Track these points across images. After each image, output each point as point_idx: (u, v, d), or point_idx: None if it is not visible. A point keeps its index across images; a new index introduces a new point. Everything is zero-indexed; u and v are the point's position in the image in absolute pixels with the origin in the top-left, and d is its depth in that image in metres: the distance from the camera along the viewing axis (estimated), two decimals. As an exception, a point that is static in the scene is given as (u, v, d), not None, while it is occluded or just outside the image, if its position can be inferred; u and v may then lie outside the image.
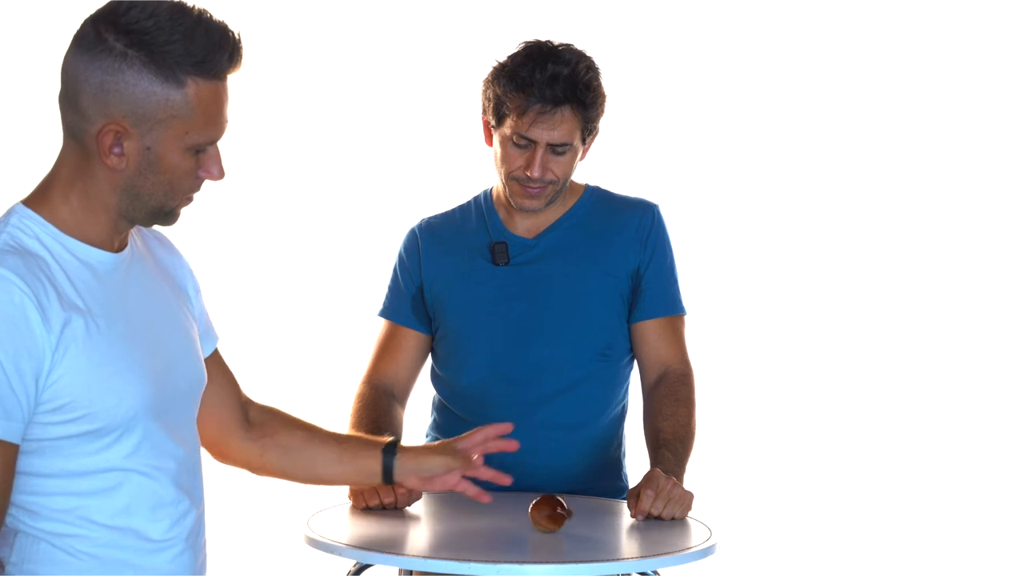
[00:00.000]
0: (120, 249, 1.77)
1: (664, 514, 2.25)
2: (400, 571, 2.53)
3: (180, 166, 1.71)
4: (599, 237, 2.57)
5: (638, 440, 2.56)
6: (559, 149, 2.44)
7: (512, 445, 2.13)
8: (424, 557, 1.99)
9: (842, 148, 4.79)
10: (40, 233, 1.70)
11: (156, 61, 1.65)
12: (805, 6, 4.71)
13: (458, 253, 2.59)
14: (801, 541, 4.47)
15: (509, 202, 2.53)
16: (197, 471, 1.87)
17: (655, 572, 2.15)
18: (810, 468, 4.71)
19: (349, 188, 4.72)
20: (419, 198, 3.98)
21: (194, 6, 1.68)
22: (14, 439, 1.64)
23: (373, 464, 2.10)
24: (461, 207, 2.66)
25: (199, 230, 1.96)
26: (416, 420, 2.70)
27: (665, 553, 2.05)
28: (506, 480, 2.12)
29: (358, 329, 3.31)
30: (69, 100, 1.69)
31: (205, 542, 1.88)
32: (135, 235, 1.83)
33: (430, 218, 2.66)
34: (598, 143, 2.55)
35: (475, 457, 2.10)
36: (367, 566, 2.27)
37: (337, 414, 2.56)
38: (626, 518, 2.30)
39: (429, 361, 2.66)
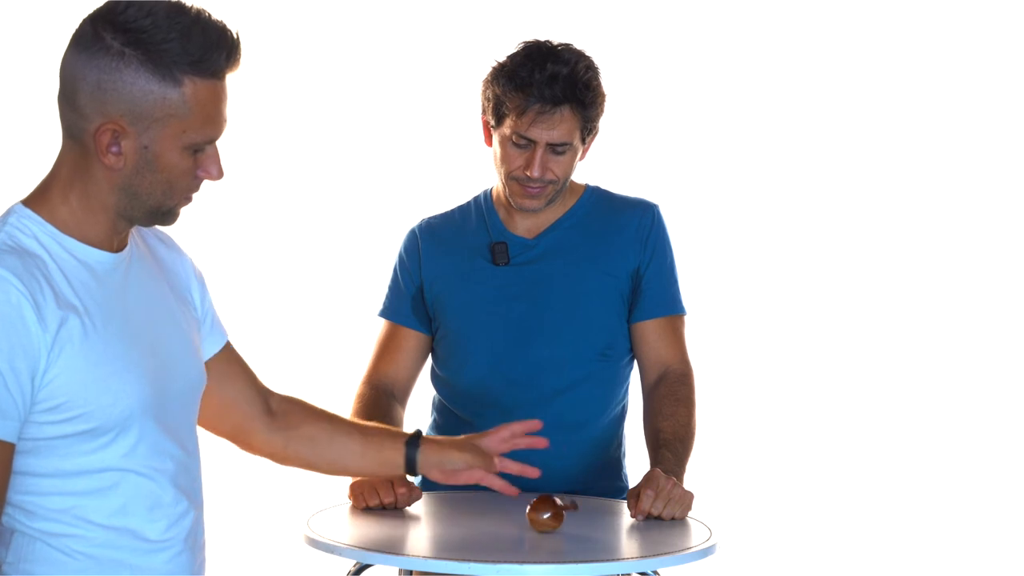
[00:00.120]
0: (119, 249, 1.77)
1: (664, 514, 2.25)
2: (400, 571, 2.53)
3: (178, 165, 1.71)
4: (599, 237, 2.57)
5: (638, 440, 2.56)
6: (559, 149, 2.44)
7: (540, 443, 2.15)
8: (424, 557, 1.99)
9: (842, 148, 4.78)
10: (38, 233, 1.70)
11: (153, 60, 1.65)
12: (805, 6, 4.71)
13: (458, 253, 2.59)
14: (801, 541, 4.47)
15: (509, 202, 2.53)
16: (196, 472, 1.87)
17: (655, 572, 2.15)
18: (810, 468, 4.71)
19: (349, 188, 4.72)
20: (419, 198, 3.98)
21: (192, 6, 1.68)
22: (10, 438, 1.64)
23: (396, 456, 2.11)
24: (461, 207, 2.66)
25: (199, 230, 1.96)
26: (416, 420, 2.70)
27: (665, 553, 2.05)
28: (533, 473, 2.13)
29: (358, 329, 3.31)
30: (67, 99, 1.69)
31: (204, 543, 1.88)
32: (135, 235, 1.83)
33: (430, 218, 2.66)
34: (598, 143, 2.55)
35: (497, 458, 2.11)
36: (367, 566, 2.27)
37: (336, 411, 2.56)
38: (626, 518, 2.30)
39: (429, 361, 2.66)
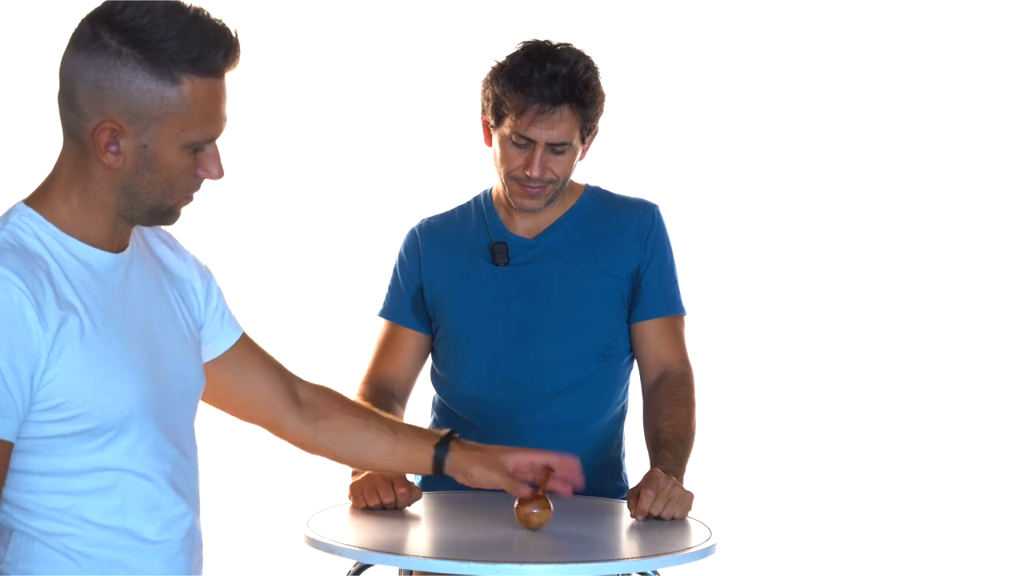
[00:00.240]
0: (120, 249, 1.77)
1: (664, 514, 2.25)
2: (400, 571, 2.53)
3: (177, 164, 1.71)
4: (599, 237, 2.57)
5: (638, 440, 2.56)
6: (558, 148, 2.44)
7: (567, 492, 2.14)
8: (424, 557, 1.98)
9: (842, 148, 4.78)
10: (40, 232, 1.70)
11: (151, 58, 1.66)
12: (805, 6, 4.71)
13: (458, 253, 2.59)
14: (801, 541, 4.47)
15: (509, 202, 2.53)
16: (193, 473, 1.87)
17: (655, 572, 2.15)
18: (810, 468, 4.71)
19: (349, 188, 4.72)
20: (419, 198, 3.98)
21: (190, 4, 1.68)
22: (8, 437, 1.64)
23: (425, 457, 2.11)
24: (461, 207, 2.66)
25: (199, 230, 1.96)
26: (416, 420, 2.70)
27: (665, 553, 2.05)
28: (568, 493, 2.14)
29: (358, 329, 3.31)
30: (67, 99, 1.69)
31: (202, 544, 1.88)
32: (137, 236, 1.83)
33: (430, 218, 2.66)
34: (598, 143, 2.55)
35: (523, 487, 2.11)
36: (367, 566, 2.27)
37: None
38: (626, 518, 2.30)
39: (429, 361, 2.66)
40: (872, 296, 4.80)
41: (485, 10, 4.59)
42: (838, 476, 4.69)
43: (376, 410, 2.16)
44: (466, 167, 3.76)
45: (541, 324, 2.53)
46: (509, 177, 2.48)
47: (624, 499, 2.45)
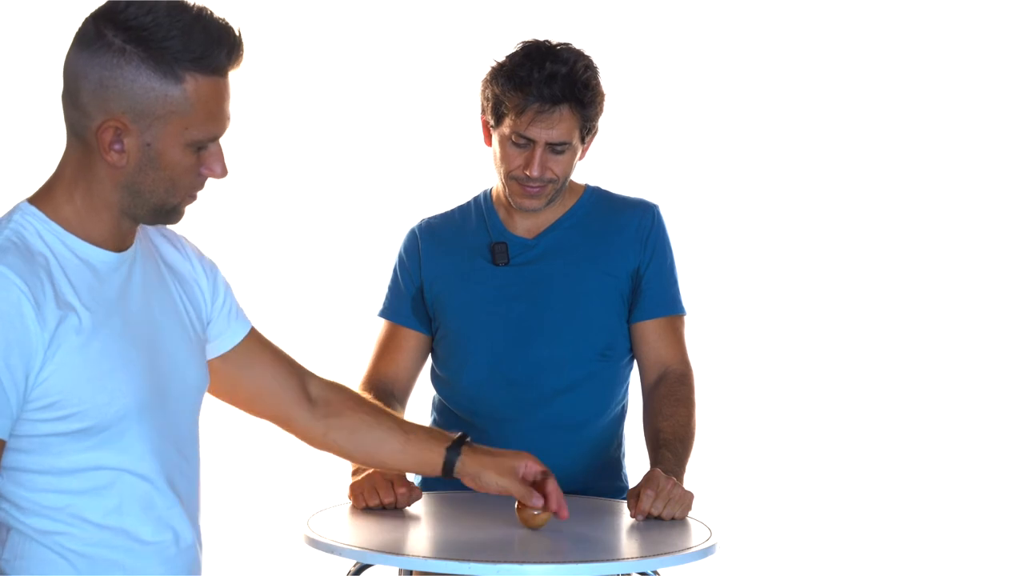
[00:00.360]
0: (124, 248, 1.77)
1: (664, 514, 2.25)
2: (400, 571, 2.53)
3: (181, 163, 1.71)
4: (599, 237, 2.57)
5: (638, 440, 2.56)
6: (558, 148, 2.44)
7: (563, 515, 2.13)
8: (424, 557, 1.98)
9: (842, 148, 4.79)
10: (42, 230, 1.70)
11: (154, 57, 1.66)
12: (805, 6, 4.71)
13: (458, 253, 2.59)
14: (801, 541, 4.47)
15: (509, 202, 2.53)
16: (193, 474, 1.86)
17: (655, 572, 2.14)
18: (810, 468, 4.71)
19: (349, 188, 4.72)
20: (419, 198, 3.98)
21: (194, 3, 1.69)
22: (1, 435, 1.64)
23: (436, 458, 2.11)
24: (461, 207, 2.66)
25: (199, 229, 1.96)
26: (417, 420, 2.70)
27: (665, 553, 2.05)
28: (564, 515, 2.13)
29: (358, 329, 3.31)
30: (70, 97, 1.69)
31: (201, 545, 1.87)
32: (141, 235, 1.83)
33: (430, 218, 2.66)
34: (598, 143, 2.55)
35: (536, 494, 2.11)
36: (367, 566, 2.27)
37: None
38: (626, 518, 2.30)
39: (429, 361, 2.66)
40: (872, 296, 4.80)
41: (485, 10, 4.59)
42: (838, 476, 4.69)
43: (388, 409, 2.16)
44: (466, 167, 3.76)
45: (541, 324, 2.53)
46: (509, 177, 2.48)
47: (624, 499, 2.45)
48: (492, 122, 2.48)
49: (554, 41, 2.47)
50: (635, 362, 2.61)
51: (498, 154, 2.48)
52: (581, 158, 2.53)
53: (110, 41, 1.66)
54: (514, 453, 2.13)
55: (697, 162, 4.77)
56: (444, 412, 2.63)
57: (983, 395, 4.75)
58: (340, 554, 2.06)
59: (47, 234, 1.70)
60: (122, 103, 1.66)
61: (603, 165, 2.97)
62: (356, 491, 2.32)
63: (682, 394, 2.51)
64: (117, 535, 1.74)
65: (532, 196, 2.48)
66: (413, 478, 2.52)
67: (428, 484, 2.50)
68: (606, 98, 2.50)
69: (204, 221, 1.88)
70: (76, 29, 1.70)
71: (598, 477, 2.57)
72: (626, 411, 2.64)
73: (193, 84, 1.68)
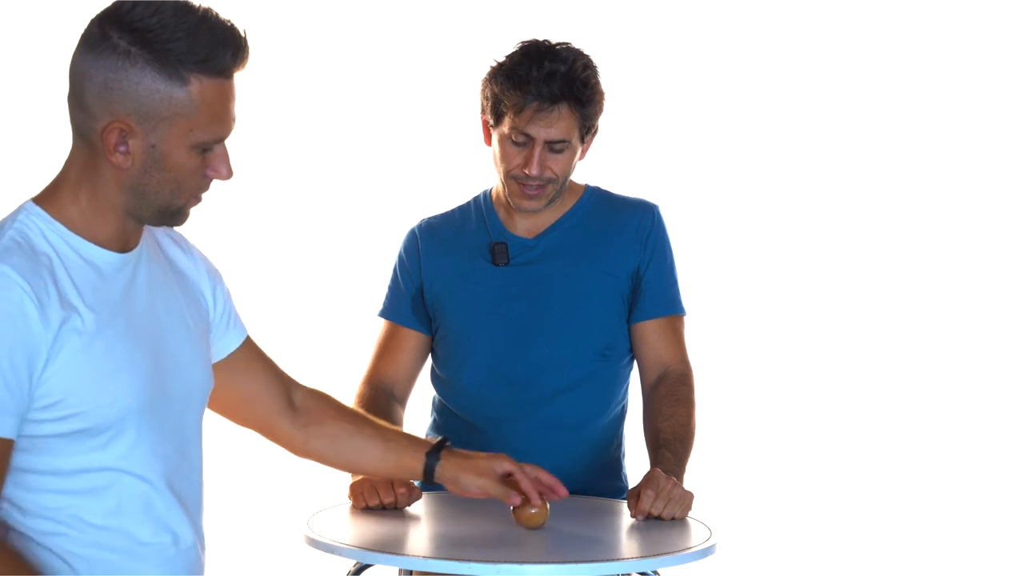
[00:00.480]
0: (129, 249, 1.77)
1: (664, 514, 2.25)
2: (400, 571, 2.53)
3: (186, 164, 1.71)
4: (599, 237, 2.57)
5: (638, 441, 2.56)
6: (557, 146, 2.44)
7: (561, 494, 2.15)
8: (424, 557, 1.98)
9: (842, 148, 4.79)
10: (47, 231, 1.70)
11: (159, 59, 1.66)
12: (805, 6, 4.71)
13: (458, 253, 2.59)
14: (801, 541, 4.47)
15: (509, 203, 2.53)
16: (195, 476, 1.86)
17: (655, 572, 2.14)
18: (810, 468, 4.71)
19: (349, 188, 4.72)
20: (419, 198, 3.98)
21: (199, 5, 1.69)
22: (9, 434, 1.64)
23: (416, 464, 2.13)
24: (461, 207, 2.66)
25: (200, 229, 1.96)
26: (416, 420, 2.70)
27: (665, 553, 2.05)
28: (561, 493, 2.14)
29: (358, 329, 3.31)
30: (76, 99, 1.70)
31: (203, 546, 1.87)
32: (148, 236, 1.83)
33: (430, 218, 2.66)
34: (598, 143, 2.55)
35: (514, 494, 2.11)
36: (367, 566, 2.27)
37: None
38: (626, 518, 2.30)
39: (429, 361, 2.66)
40: (872, 296, 4.80)
41: (485, 10, 4.59)
42: (838, 476, 4.69)
43: (369, 416, 2.18)
44: (466, 167, 3.76)
45: (541, 324, 2.53)
46: (508, 176, 2.48)
47: (624, 499, 2.45)
48: (492, 121, 2.48)
49: (554, 41, 2.47)
50: (635, 362, 2.61)
51: (497, 153, 2.48)
52: (581, 158, 2.53)
53: (115, 43, 1.66)
54: (490, 455, 2.15)
55: (697, 162, 4.78)
56: (444, 412, 2.63)
57: (983, 395, 4.75)
58: (340, 554, 2.06)
59: (51, 234, 1.70)
60: (127, 105, 1.66)
61: (603, 165, 2.97)
62: (356, 491, 2.32)
63: (682, 394, 2.51)
64: (116, 536, 1.74)
65: (531, 197, 2.48)
66: (413, 478, 2.52)
67: (428, 484, 2.50)
68: (606, 98, 2.50)
69: (204, 221, 1.88)
70: (82, 30, 1.70)
71: (598, 477, 2.57)
72: (626, 411, 2.64)
73: (198, 86, 1.68)
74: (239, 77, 1.73)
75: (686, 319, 2.61)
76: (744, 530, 4.29)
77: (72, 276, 1.70)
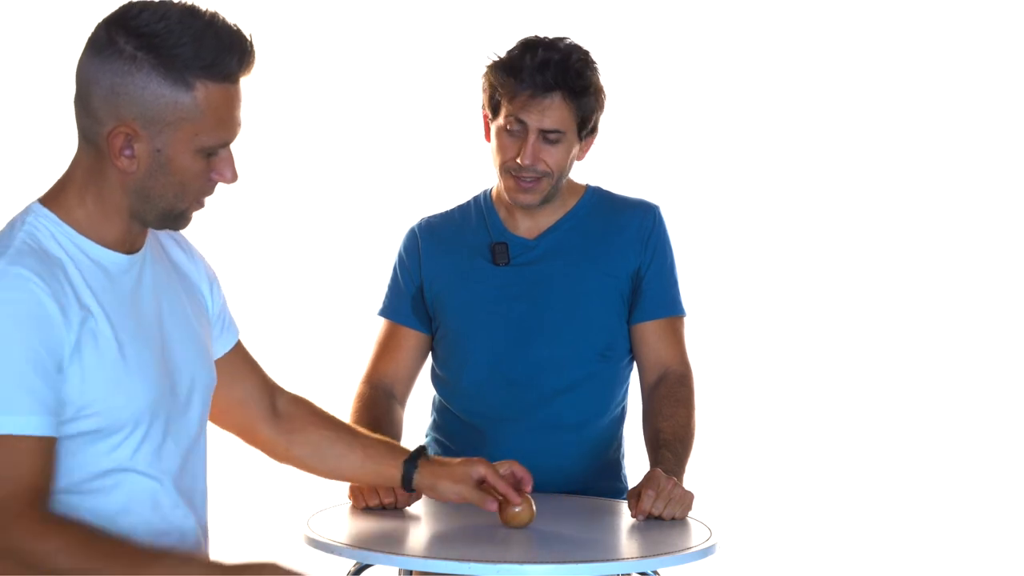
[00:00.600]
0: (134, 251, 1.78)
1: (664, 514, 2.25)
2: (400, 571, 2.53)
3: (190, 168, 1.72)
4: (600, 238, 2.57)
5: (637, 442, 2.56)
6: (551, 137, 2.43)
7: (525, 488, 2.16)
8: (424, 557, 1.98)
9: (842, 148, 4.78)
10: (56, 233, 1.71)
11: (165, 64, 1.66)
12: (805, 6, 4.71)
13: (458, 252, 2.59)
14: (801, 541, 4.47)
15: (507, 199, 2.53)
16: (200, 473, 1.88)
17: (655, 572, 2.14)
18: (810, 468, 4.71)
19: (349, 188, 4.72)
20: (419, 198, 3.98)
21: (206, 9, 1.69)
22: (50, 432, 1.65)
23: (394, 472, 2.14)
24: (461, 207, 2.66)
25: (199, 229, 1.97)
26: (416, 420, 2.70)
27: (665, 553, 2.05)
28: (525, 488, 2.15)
29: (358, 329, 3.31)
30: (82, 102, 1.70)
31: (207, 544, 1.88)
32: (151, 237, 1.84)
33: (430, 217, 2.66)
34: (598, 143, 2.55)
35: (491, 499, 2.12)
36: (367, 566, 2.27)
37: (338, 414, 2.56)
38: (626, 518, 2.30)
39: (429, 361, 2.66)
40: (872, 296, 4.80)
41: (485, 10, 4.59)
42: (838, 476, 4.69)
43: (350, 424, 2.19)
44: (466, 167, 3.75)
45: (541, 324, 2.53)
46: (504, 169, 2.47)
47: (624, 499, 2.45)
48: (490, 114, 2.48)
49: (553, 36, 2.48)
50: (635, 363, 2.61)
51: (495, 146, 2.48)
52: (580, 158, 2.53)
53: (121, 48, 1.66)
54: (466, 460, 2.15)
55: (698, 162, 4.77)
56: (444, 412, 2.63)
57: (983, 395, 4.75)
58: (340, 554, 2.06)
59: (60, 236, 1.71)
60: (133, 110, 1.67)
61: (603, 165, 2.97)
62: (356, 491, 2.32)
63: (682, 395, 2.51)
64: (123, 534, 1.74)
65: (526, 190, 2.47)
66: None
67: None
68: (607, 98, 2.50)
69: (204, 221, 1.89)
70: (89, 33, 1.71)
71: (597, 478, 2.57)
72: (626, 412, 2.64)
73: (203, 91, 1.68)
74: (245, 81, 1.73)
75: (686, 320, 2.61)
76: (744, 530, 4.29)
77: (85, 278, 1.71)
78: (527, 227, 2.57)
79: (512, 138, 2.45)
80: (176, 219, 1.77)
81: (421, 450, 2.16)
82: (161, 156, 1.70)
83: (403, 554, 2.02)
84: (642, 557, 2.03)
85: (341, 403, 2.61)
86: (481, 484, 2.13)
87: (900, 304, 4.80)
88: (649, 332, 2.56)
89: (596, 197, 2.61)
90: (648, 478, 2.29)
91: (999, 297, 4.77)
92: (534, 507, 2.14)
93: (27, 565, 1.61)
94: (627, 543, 2.17)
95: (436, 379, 2.64)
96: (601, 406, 2.57)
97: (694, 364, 2.58)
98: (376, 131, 4.71)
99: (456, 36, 4.59)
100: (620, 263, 2.56)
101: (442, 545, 2.11)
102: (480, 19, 4.57)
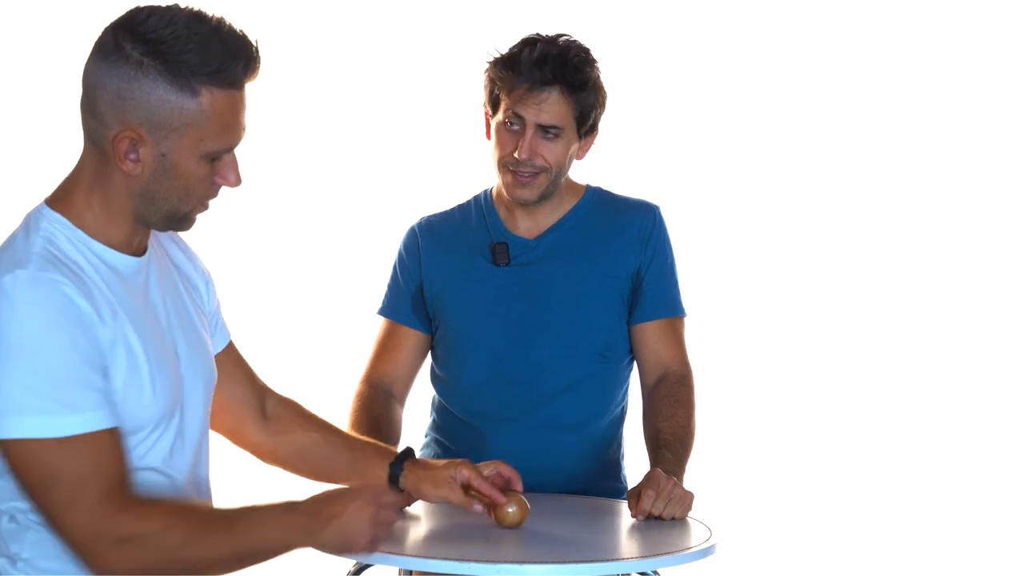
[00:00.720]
0: (141, 252, 1.80)
1: (665, 514, 2.25)
2: (400, 571, 2.52)
3: (195, 172, 1.73)
4: (600, 238, 2.56)
5: (637, 442, 2.55)
6: (549, 132, 2.43)
7: (516, 488, 2.16)
8: (424, 557, 1.98)
9: (842, 149, 4.78)
10: (71, 238, 1.74)
11: (171, 70, 1.67)
12: (805, 6, 4.71)
13: (458, 252, 2.59)
14: (801, 541, 4.47)
15: (507, 198, 2.53)
16: (206, 467, 1.91)
17: (655, 572, 2.14)
18: (810, 468, 4.71)
19: (349, 188, 4.72)
20: (419, 198, 3.98)
21: (213, 15, 1.70)
22: (113, 423, 1.68)
23: (381, 474, 2.15)
24: (461, 206, 2.65)
25: (200, 228, 1.98)
26: (416, 420, 2.70)
27: (665, 553, 2.05)
28: (516, 488, 2.14)
29: (358, 328, 3.31)
30: (88, 106, 1.72)
31: None
32: (152, 238, 1.86)
33: (430, 216, 2.66)
34: (598, 143, 2.54)
35: (474, 502, 2.12)
36: (367, 566, 2.27)
37: (337, 413, 2.56)
38: (626, 518, 2.30)
39: (429, 361, 2.66)
40: (872, 297, 4.80)
41: (486, 10, 4.59)
42: (838, 476, 4.69)
43: (335, 426, 2.19)
44: (466, 167, 3.75)
45: (541, 324, 2.53)
46: (502, 165, 2.47)
47: (623, 500, 2.44)
48: (491, 111, 2.48)
49: (556, 34, 2.48)
50: (635, 363, 2.61)
51: (493, 141, 2.48)
52: (580, 157, 2.52)
53: (128, 53, 1.67)
54: (450, 463, 2.16)
55: (698, 163, 4.77)
56: (444, 412, 2.62)
57: (983, 395, 4.75)
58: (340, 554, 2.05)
59: (75, 241, 1.73)
60: (138, 114, 1.68)
61: (603, 165, 2.97)
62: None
63: (682, 395, 2.51)
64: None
65: (524, 185, 2.47)
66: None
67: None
68: (607, 96, 2.49)
69: (204, 220, 1.89)
70: (96, 37, 1.72)
71: (597, 478, 2.57)
72: (626, 413, 2.64)
73: (209, 97, 1.69)
74: (249, 84, 1.74)
75: (686, 320, 2.61)
76: (744, 530, 4.29)
77: (104, 281, 1.72)
78: (527, 227, 2.57)
79: (510, 134, 2.44)
80: (180, 221, 1.79)
81: (407, 452, 2.17)
82: (166, 160, 1.71)
83: (403, 554, 2.01)
84: (642, 557, 2.03)
85: (340, 402, 2.61)
86: (468, 487, 2.13)
87: (900, 304, 4.80)
88: (649, 332, 2.56)
89: (596, 197, 2.61)
90: (648, 478, 2.29)
91: (999, 297, 4.77)
92: (528, 505, 2.14)
93: (150, 548, 1.67)
94: (627, 543, 2.17)
95: (436, 379, 2.64)
96: (601, 406, 2.56)
97: (694, 364, 2.58)
98: (376, 131, 4.71)
99: (456, 36, 4.59)
100: (620, 263, 2.55)
101: (442, 545, 2.11)
102: (480, 19, 4.57)
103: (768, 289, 4.81)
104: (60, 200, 1.75)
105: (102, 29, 1.72)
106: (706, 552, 2.09)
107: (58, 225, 1.72)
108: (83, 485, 1.65)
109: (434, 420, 2.65)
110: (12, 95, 4.48)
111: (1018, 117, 4.72)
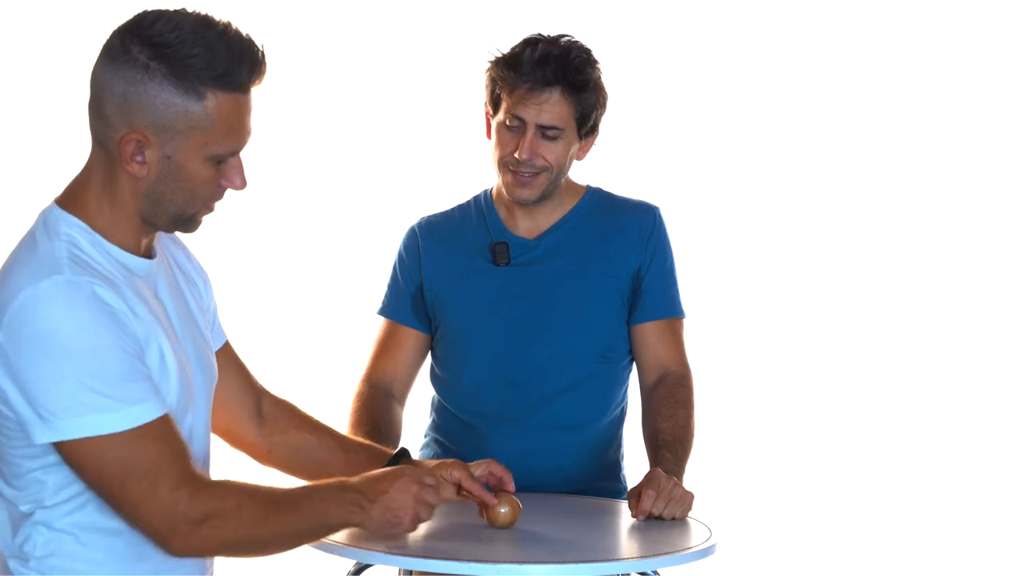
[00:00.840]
0: (150, 254, 1.82)
1: (665, 514, 2.25)
2: (400, 571, 2.53)
3: (200, 175, 1.74)
4: (600, 238, 2.56)
5: (637, 442, 2.55)
6: (549, 133, 2.43)
7: (508, 488, 2.15)
8: (424, 557, 1.98)
9: (842, 149, 4.78)
10: (90, 241, 1.75)
11: (177, 74, 1.68)
12: (805, 6, 4.71)
13: (458, 252, 2.59)
14: (801, 541, 4.47)
15: (507, 197, 2.53)
16: (208, 464, 1.92)
17: (655, 572, 2.14)
18: (810, 468, 4.71)
19: (349, 188, 4.72)
20: (419, 198, 3.98)
21: (220, 19, 1.72)
22: (162, 410, 1.71)
23: None
24: (461, 206, 2.65)
25: (200, 229, 1.98)
26: (416, 420, 2.70)
27: (665, 553, 2.05)
28: (508, 488, 2.14)
29: (358, 328, 3.31)
30: (95, 108, 1.73)
31: None
32: (156, 240, 1.86)
33: (430, 216, 2.66)
34: (599, 143, 2.54)
35: (467, 502, 2.12)
36: (367, 566, 2.27)
37: (336, 413, 2.56)
38: (626, 518, 2.30)
39: (429, 361, 2.66)
40: (872, 297, 4.80)
41: (487, 11, 4.59)
42: (838, 476, 4.69)
43: (330, 428, 2.19)
44: (466, 167, 3.75)
45: (541, 325, 2.53)
46: (502, 164, 2.47)
47: (623, 500, 2.44)
48: (491, 110, 2.48)
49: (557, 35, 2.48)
50: (634, 364, 2.61)
51: (494, 141, 2.48)
52: (580, 158, 2.52)
53: (135, 57, 1.69)
54: (440, 463, 2.15)
55: (698, 163, 4.77)
56: (443, 412, 2.62)
57: (983, 395, 4.75)
58: (340, 554, 2.05)
59: (94, 244, 1.74)
60: (145, 117, 1.69)
61: (604, 166, 2.97)
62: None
63: (681, 396, 2.51)
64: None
65: (524, 184, 2.47)
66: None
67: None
68: (608, 97, 2.50)
69: (205, 220, 1.90)
70: (104, 40, 1.73)
71: (597, 478, 2.57)
72: (625, 413, 2.64)
73: (214, 101, 1.70)
74: (256, 91, 1.75)
75: (686, 321, 2.61)
76: (744, 530, 4.29)
77: (127, 283, 1.73)
78: (527, 227, 2.57)
79: (511, 133, 2.45)
80: (186, 223, 1.80)
81: (402, 453, 2.17)
82: (171, 163, 1.72)
83: (403, 554, 2.01)
84: (642, 557, 2.03)
85: (339, 402, 2.61)
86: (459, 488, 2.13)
87: (900, 304, 4.80)
88: (649, 333, 2.56)
89: (596, 198, 2.61)
90: (648, 478, 2.29)
91: (999, 297, 4.77)
92: (520, 505, 2.13)
93: (226, 526, 1.72)
94: (627, 543, 2.17)
95: (435, 379, 2.64)
96: (601, 407, 2.56)
97: (694, 365, 2.58)
98: (376, 131, 4.71)
99: (457, 37, 4.59)
100: (620, 264, 2.55)
101: (442, 545, 2.11)
102: (481, 19, 4.57)
103: (767, 290, 4.81)
104: (72, 202, 1.76)
105: (110, 32, 1.73)
106: (706, 552, 2.09)
107: (77, 229, 1.74)
108: (159, 472, 1.69)
109: (434, 420, 2.65)
110: (22, 97, 4.49)
111: (1018, 117, 4.72)
